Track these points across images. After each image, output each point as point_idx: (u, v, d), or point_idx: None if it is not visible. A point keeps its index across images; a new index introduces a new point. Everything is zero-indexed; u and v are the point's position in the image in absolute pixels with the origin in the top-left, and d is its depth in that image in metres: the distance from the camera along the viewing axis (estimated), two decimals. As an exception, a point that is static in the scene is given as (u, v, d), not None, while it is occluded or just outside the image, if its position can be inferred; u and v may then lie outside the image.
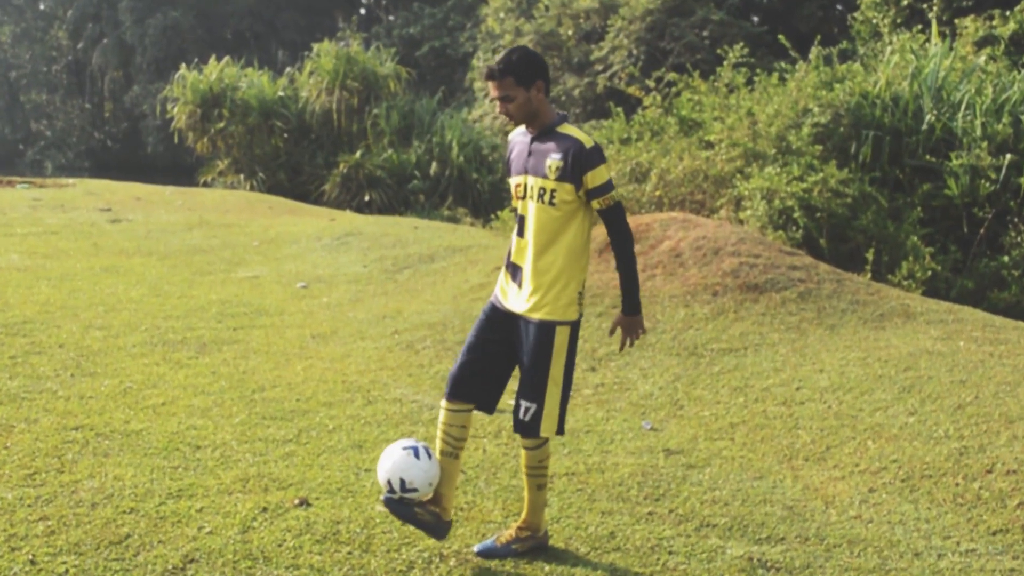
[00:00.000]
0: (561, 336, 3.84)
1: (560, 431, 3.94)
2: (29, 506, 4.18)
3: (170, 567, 3.69)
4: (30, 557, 3.69)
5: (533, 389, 3.87)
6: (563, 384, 3.89)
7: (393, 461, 3.86)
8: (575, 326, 3.88)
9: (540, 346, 3.84)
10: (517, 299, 3.91)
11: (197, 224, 14.25)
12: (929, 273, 10.99)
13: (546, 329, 3.83)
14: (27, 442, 4.96)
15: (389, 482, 3.84)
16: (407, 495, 3.84)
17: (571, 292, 3.84)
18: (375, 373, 6.79)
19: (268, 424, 5.51)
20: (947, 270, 11.46)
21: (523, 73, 3.78)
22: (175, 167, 42.59)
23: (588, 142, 3.79)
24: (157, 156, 52.91)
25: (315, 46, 27.83)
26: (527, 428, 3.93)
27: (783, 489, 4.94)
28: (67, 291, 9.07)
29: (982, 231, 11.99)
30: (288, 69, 29.57)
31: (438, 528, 3.91)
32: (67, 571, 3.61)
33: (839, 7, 31.55)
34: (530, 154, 3.88)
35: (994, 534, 4.46)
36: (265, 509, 4.28)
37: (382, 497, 3.88)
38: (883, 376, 6.34)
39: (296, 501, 4.37)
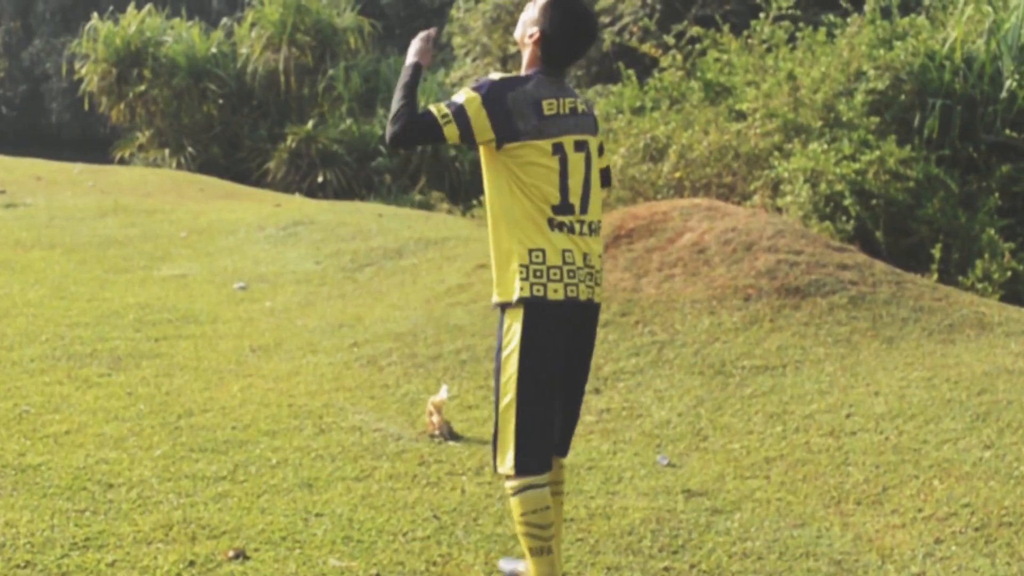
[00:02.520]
0: (509, 321, 3.88)
1: (520, 469, 3.85)
2: (-100, 559, 4.16)
3: (74, 635, 3.67)
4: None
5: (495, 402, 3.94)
6: (517, 396, 3.84)
7: None
8: (532, 309, 3.83)
9: (497, 338, 3.95)
10: None
11: (111, 210, 14.22)
12: (1009, 274, 11.01)
13: (498, 314, 3.97)
14: (-102, 479, 4.94)
15: None
16: None
17: (514, 265, 3.86)
18: (329, 395, 6.77)
19: (196, 458, 5.49)
20: (1031, 270, 11.49)
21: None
22: (85, 140, 42.48)
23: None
24: (63, 126, 52.75)
25: (258, -9, 27.84)
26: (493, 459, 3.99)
27: (830, 539, 4.94)
28: (-50, 292, 9.05)
29: (1074, 222, 12.03)
30: (225, 20, 29.59)
31: None
32: (-54, 640, 3.59)
33: (900, -53, 31.66)
34: None
35: (1087, 595, 4.47)
36: (192, 563, 4.26)
37: None
38: (952, 400, 6.35)
39: (230, 553, 4.35)
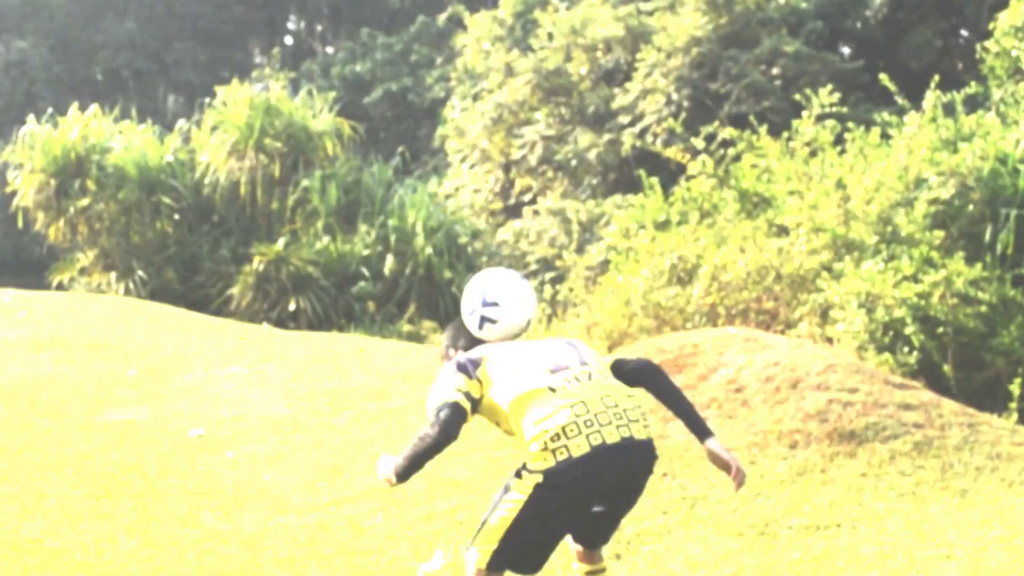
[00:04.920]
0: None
1: (484, 566, 4.71)
2: None
3: None
4: None
5: None
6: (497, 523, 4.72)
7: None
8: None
9: None
10: None
11: (48, 344, 14.26)
12: (1102, 413, 11.01)
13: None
14: None
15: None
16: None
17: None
18: (302, 563, 6.75)
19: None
20: None
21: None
22: (17, 262, 42.71)
23: None
24: (-9, 246, 53.11)
25: (220, 90, 28.16)
26: None
27: None
28: None
29: None
30: (181, 123, 29.85)
31: None
32: None
33: (964, 34, 32.13)
34: None
35: None
36: None
37: None
38: (1038, 564, 6.32)
39: None
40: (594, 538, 4.98)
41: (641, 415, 4.67)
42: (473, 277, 5.34)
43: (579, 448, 4.47)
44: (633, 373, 4.93)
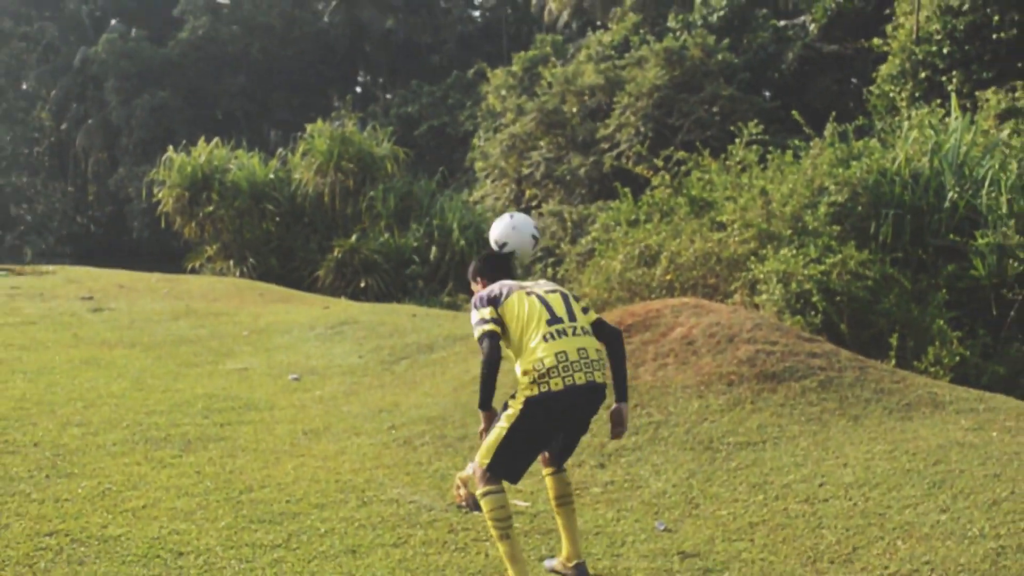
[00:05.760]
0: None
1: (479, 475, 4.89)
2: (-2, 620, 4.12)
3: None
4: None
5: None
6: (502, 439, 4.82)
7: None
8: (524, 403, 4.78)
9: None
10: None
11: (183, 313, 14.28)
12: (957, 359, 10.96)
13: None
14: (-2, 550, 4.91)
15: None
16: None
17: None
18: (370, 472, 6.74)
19: (255, 528, 5.46)
20: (976, 355, 11.43)
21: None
22: (161, 253, 42.87)
23: None
24: (142, 241, 53.25)
25: (308, 126, 28.17)
26: None
27: (808, 595, 4.86)
28: (44, 385, 9.05)
29: (1012, 313, 12.00)
30: (280, 150, 29.87)
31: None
32: None
33: (854, 81, 32.00)
34: None
35: (1036, 642, 4.37)
36: (251, 621, 4.21)
37: None
38: (911, 470, 6.28)
39: (285, 612, 4.30)
40: (562, 453, 5.06)
41: (603, 365, 4.84)
42: (495, 221, 5.49)
43: (556, 386, 4.65)
44: (606, 335, 5.02)
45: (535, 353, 4.75)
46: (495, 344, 4.83)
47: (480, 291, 5.09)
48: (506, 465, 4.82)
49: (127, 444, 7.16)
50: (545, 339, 4.76)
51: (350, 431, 7.86)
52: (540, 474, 6.59)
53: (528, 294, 4.93)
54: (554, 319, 4.83)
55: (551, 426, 4.83)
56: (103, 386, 9.18)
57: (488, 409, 4.91)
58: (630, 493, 6.43)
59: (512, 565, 4.69)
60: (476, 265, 5.33)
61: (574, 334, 4.81)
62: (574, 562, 5.00)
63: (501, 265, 5.29)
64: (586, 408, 4.84)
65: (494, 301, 4.93)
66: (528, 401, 4.72)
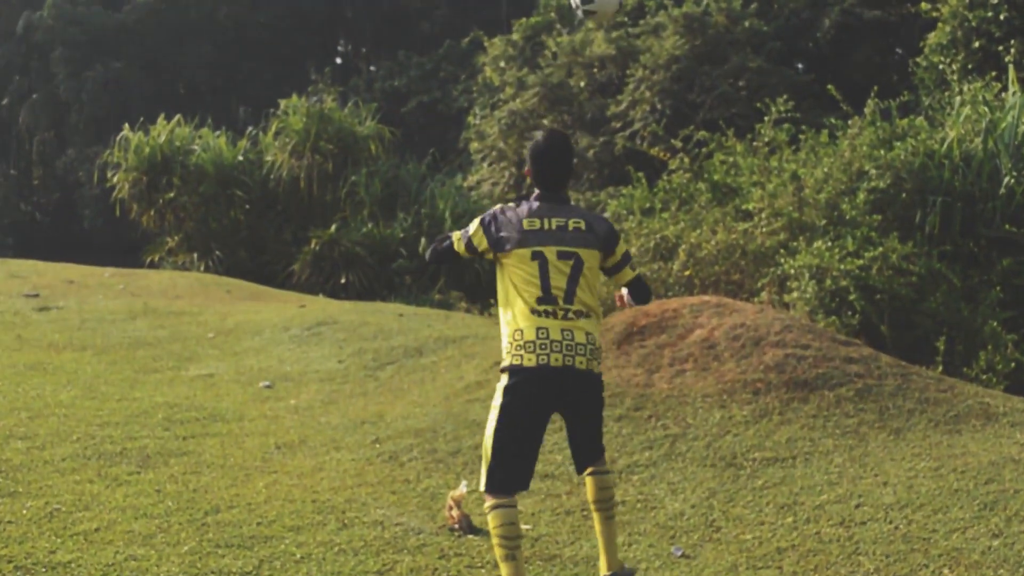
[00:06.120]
0: (500, 381, 5.02)
1: (488, 489, 4.90)
2: (-66, 655, 4.15)
3: None
4: None
5: None
6: (493, 436, 4.93)
7: None
8: (512, 374, 4.93)
9: None
10: None
11: (141, 312, 14.31)
12: (1012, 365, 10.98)
13: None
14: (-66, 577, 4.95)
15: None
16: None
17: (504, 342, 5.04)
18: (352, 490, 6.77)
19: (223, 553, 5.49)
20: (1034, 361, 11.46)
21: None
22: (116, 244, 42.87)
23: None
24: (94, 232, 53.28)
25: (282, 102, 28.18)
26: None
27: (842, 628, 4.90)
28: (-15, 394, 9.08)
29: (1075, 314, 12.01)
30: (250, 129, 29.88)
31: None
32: None
33: (899, 51, 31.97)
34: None
35: None
36: (218, 657, 4.24)
37: None
38: (960, 490, 6.31)
39: (255, 647, 4.34)
40: (578, 447, 5.21)
41: (589, 351, 4.93)
42: None
43: (530, 361, 4.85)
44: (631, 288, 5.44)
45: (518, 321, 4.96)
46: (442, 254, 5.32)
47: (496, 210, 5.16)
48: (508, 462, 4.89)
49: (78, 459, 7.18)
50: (532, 312, 4.93)
51: (329, 445, 7.89)
52: (543, 493, 6.64)
53: (534, 257, 4.97)
54: (546, 298, 4.94)
55: (536, 403, 4.93)
56: (50, 394, 9.21)
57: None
58: (643, 515, 6.46)
59: None
60: (534, 149, 5.24)
61: (564, 318, 4.93)
62: (605, 574, 5.18)
63: (555, 172, 5.20)
64: (573, 394, 4.97)
65: (497, 244, 5.05)
66: (508, 370, 4.92)
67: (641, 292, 5.43)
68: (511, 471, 4.89)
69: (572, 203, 5.24)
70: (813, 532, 6.04)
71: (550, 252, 4.96)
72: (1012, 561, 5.41)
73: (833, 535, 5.97)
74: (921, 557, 5.58)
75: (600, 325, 5.11)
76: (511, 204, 5.13)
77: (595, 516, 5.23)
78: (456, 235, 5.22)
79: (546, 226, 5.01)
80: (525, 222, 5.01)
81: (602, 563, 5.19)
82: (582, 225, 5.05)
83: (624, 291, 5.51)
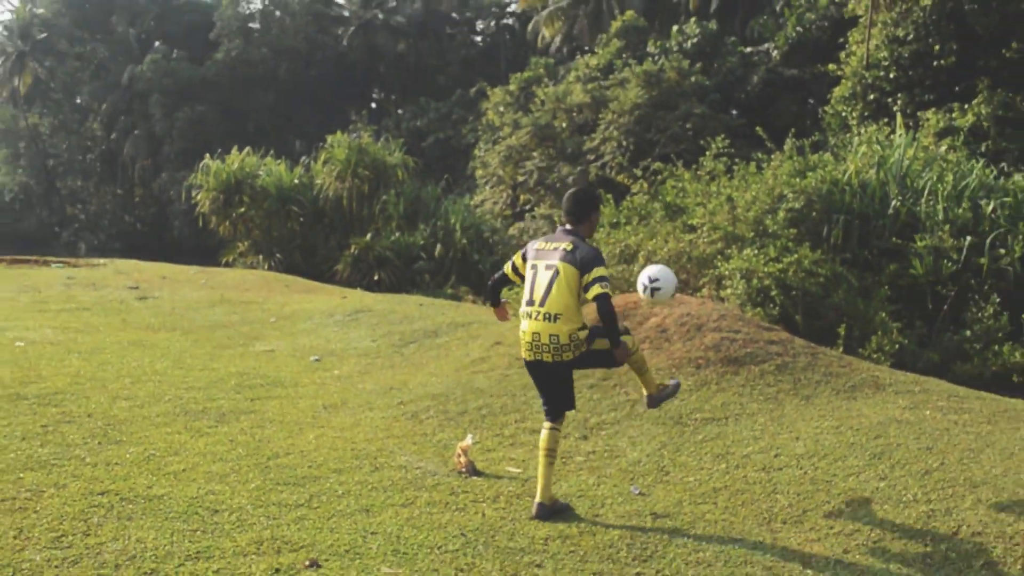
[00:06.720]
0: None
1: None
2: (56, 567, 4.16)
3: (188, 625, 3.66)
4: (57, 616, 3.67)
5: None
6: None
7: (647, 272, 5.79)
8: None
9: None
10: None
11: (219, 301, 14.30)
12: (897, 347, 11.02)
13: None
14: (55, 506, 4.95)
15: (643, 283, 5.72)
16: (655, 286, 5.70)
17: None
18: (382, 441, 6.78)
19: (281, 489, 5.50)
20: (913, 344, 11.49)
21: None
22: (199, 248, 42.80)
23: None
24: (182, 238, 53.20)
25: (329, 138, 28.19)
26: None
27: (763, 551, 4.91)
28: (96, 364, 9.08)
29: (945, 308, 12.05)
30: (304, 158, 29.91)
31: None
32: (91, 629, 3.58)
33: (811, 102, 32.01)
34: None
35: (961, 593, 4.42)
36: (278, 570, 4.26)
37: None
38: (855, 444, 6.33)
39: (307, 563, 4.35)
40: (549, 407, 5.43)
41: (552, 349, 5.18)
42: (646, 267, 6.01)
43: (521, 352, 5.36)
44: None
45: (521, 321, 5.31)
46: (498, 278, 5.70)
47: (564, 232, 5.34)
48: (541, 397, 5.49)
49: (169, 416, 7.19)
50: (520, 312, 5.30)
51: (364, 406, 7.90)
52: (530, 444, 6.64)
53: (532, 267, 5.28)
54: (528, 301, 5.23)
55: (532, 375, 5.40)
56: (148, 364, 9.21)
57: (496, 306, 5.86)
58: (609, 462, 6.47)
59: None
60: (590, 205, 5.48)
61: (536, 318, 5.19)
62: (539, 501, 5.35)
63: (567, 213, 5.44)
64: (538, 375, 5.35)
65: (524, 257, 5.43)
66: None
67: (603, 317, 5.13)
68: (544, 402, 5.44)
69: (577, 236, 5.33)
70: (741, 476, 6.05)
71: (540, 265, 5.25)
72: (894, 499, 5.43)
73: (756, 478, 5.98)
74: (824, 496, 5.60)
75: (573, 324, 5.15)
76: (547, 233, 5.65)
77: (540, 459, 5.34)
78: (507, 265, 5.59)
79: (546, 247, 5.29)
80: (538, 243, 5.34)
81: (538, 494, 5.30)
82: (568, 247, 5.20)
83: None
